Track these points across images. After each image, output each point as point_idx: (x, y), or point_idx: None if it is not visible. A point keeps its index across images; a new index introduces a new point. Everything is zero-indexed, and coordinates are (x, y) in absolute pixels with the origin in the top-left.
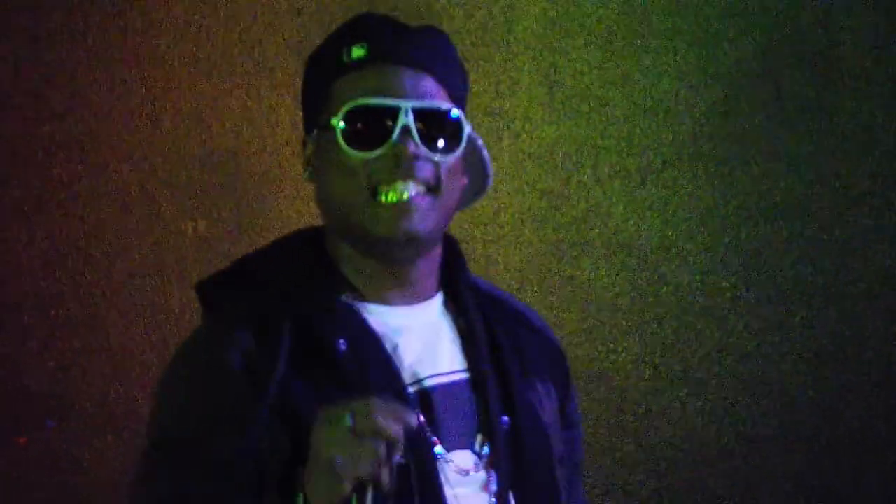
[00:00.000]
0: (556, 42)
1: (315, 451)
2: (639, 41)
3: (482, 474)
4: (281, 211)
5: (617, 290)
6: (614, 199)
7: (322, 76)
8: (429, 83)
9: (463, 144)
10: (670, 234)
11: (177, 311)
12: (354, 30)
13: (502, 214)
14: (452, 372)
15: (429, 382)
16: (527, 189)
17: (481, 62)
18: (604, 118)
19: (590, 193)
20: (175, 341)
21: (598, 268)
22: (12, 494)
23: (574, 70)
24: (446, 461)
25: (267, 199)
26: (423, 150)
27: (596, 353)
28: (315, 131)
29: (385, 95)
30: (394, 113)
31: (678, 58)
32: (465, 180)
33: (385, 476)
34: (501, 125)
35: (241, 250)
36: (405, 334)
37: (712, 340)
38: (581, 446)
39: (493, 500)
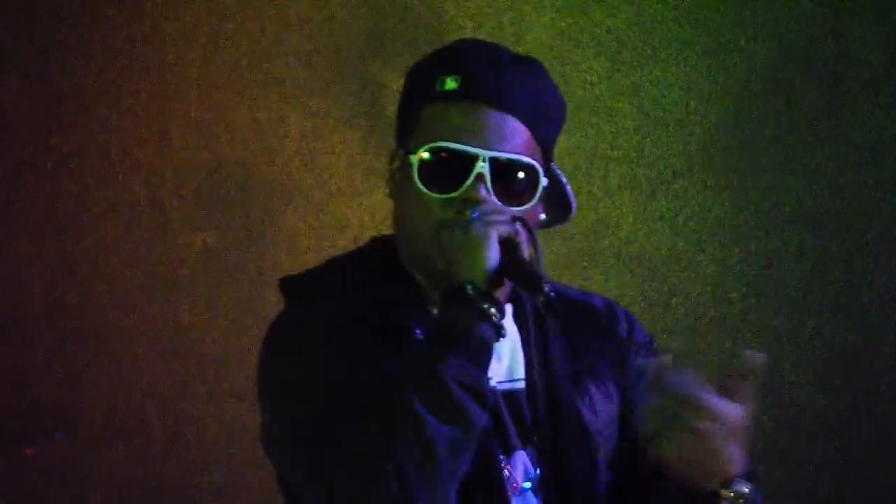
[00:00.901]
0: (565, 53)
1: (452, 240)
2: (649, 52)
3: (529, 481)
4: (290, 222)
5: (627, 300)
6: (624, 210)
7: (415, 98)
8: (514, 126)
9: (537, 196)
10: (680, 244)
11: (185, 322)
12: (452, 59)
13: None
14: (513, 380)
15: (494, 384)
16: None
17: None
18: (614, 129)
19: (600, 204)
20: (184, 352)
21: (608, 278)
22: (21, 501)
23: (584, 81)
24: (504, 463)
25: (276, 211)
26: (494, 199)
27: None
28: (401, 151)
29: (467, 137)
30: (471, 160)
31: (688, 68)
32: (540, 216)
33: (519, 230)
34: None
35: (250, 262)
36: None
37: (722, 351)
38: None
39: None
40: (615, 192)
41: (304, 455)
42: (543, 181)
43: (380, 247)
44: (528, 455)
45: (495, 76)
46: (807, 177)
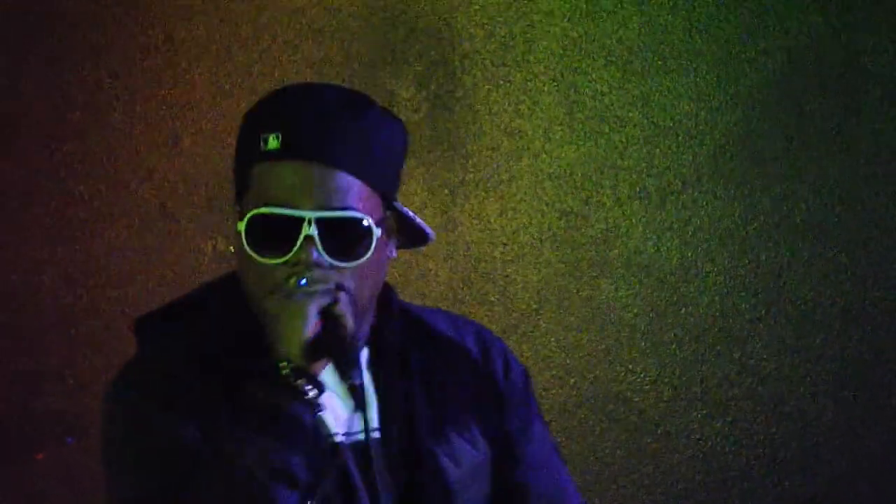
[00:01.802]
0: (576, 62)
1: (272, 310)
2: (659, 62)
3: None
4: None
5: (636, 311)
6: (634, 220)
7: (244, 154)
8: (342, 179)
9: (371, 250)
10: (690, 255)
11: None
12: (274, 114)
13: (521, 234)
14: (361, 431)
15: (340, 438)
16: (546, 209)
17: (501, 82)
18: (623, 139)
19: (609, 214)
20: None
21: (617, 288)
22: None
23: (594, 90)
24: None
25: None
26: (327, 258)
27: (614, 373)
28: (237, 209)
29: (293, 197)
30: (298, 222)
31: (698, 79)
32: (392, 254)
33: (341, 300)
34: (521, 145)
35: None
36: (327, 392)
37: (731, 362)
38: (556, 462)
39: None
40: (624, 201)
41: None
42: (377, 231)
43: (230, 287)
44: None
45: (318, 131)
46: (817, 188)
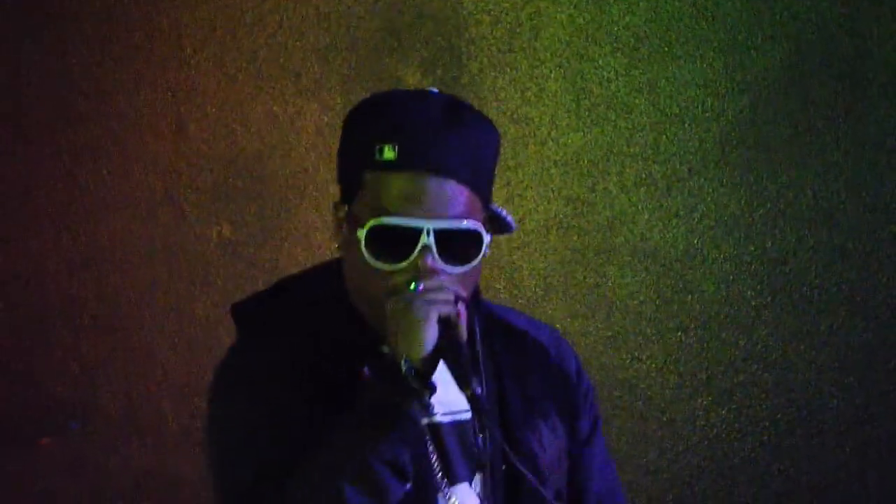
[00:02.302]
0: (582, 49)
1: (394, 313)
2: (666, 49)
3: None
4: (305, 216)
5: (642, 297)
6: (640, 207)
7: (354, 159)
8: (454, 189)
9: (482, 253)
10: (696, 241)
11: (201, 315)
12: (389, 125)
13: (528, 221)
14: (461, 411)
15: (439, 418)
16: (552, 196)
17: (507, 69)
18: (630, 126)
19: (615, 201)
20: (200, 345)
21: (623, 275)
22: (36, 495)
23: (600, 77)
24: (446, 495)
25: (292, 204)
26: (441, 264)
27: (620, 360)
28: (346, 208)
29: (409, 207)
30: (416, 233)
31: (705, 65)
32: (485, 253)
33: (461, 311)
34: (527, 132)
35: (266, 255)
36: None
37: (737, 349)
38: (611, 469)
39: None
40: (631, 188)
41: (233, 501)
42: (486, 238)
43: (330, 277)
44: (474, 486)
45: (433, 142)
46: (823, 174)
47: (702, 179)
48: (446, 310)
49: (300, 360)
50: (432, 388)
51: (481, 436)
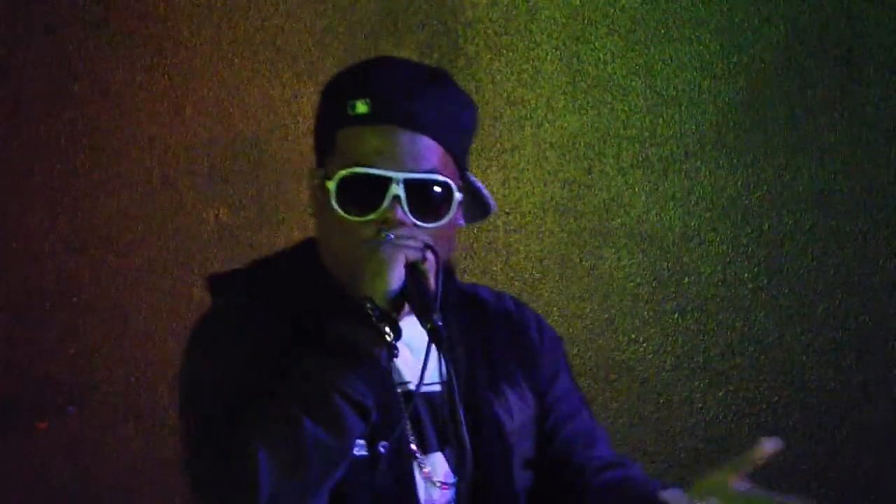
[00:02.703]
0: (578, 31)
1: (362, 257)
2: (662, 31)
3: (447, 475)
4: (302, 199)
5: (638, 280)
6: (636, 190)
7: (329, 120)
8: (426, 144)
9: (452, 212)
10: (692, 224)
11: (198, 298)
12: (363, 81)
13: (524, 203)
14: (432, 383)
15: (410, 387)
16: (549, 178)
17: (504, 51)
18: (626, 108)
19: (612, 183)
20: None
21: (619, 258)
22: (33, 479)
23: (597, 59)
24: (420, 463)
25: (288, 188)
26: (411, 218)
27: (617, 343)
28: (321, 171)
29: (381, 160)
30: (386, 182)
31: (702, 48)
32: (459, 222)
33: (429, 258)
34: (524, 114)
35: (263, 238)
36: (402, 345)
37: (734, 331)
38: (585, 413)
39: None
40: (627, 170)
41: (197, 452)
42: (458, 196)
43: (308, 250)
44: (446, 455)
45: (405, 97)
46: (819, 156)
47: (698, 162)
48: (413, 254)
49: (274, 323)
50: (397, 330)
51: (448, 407)
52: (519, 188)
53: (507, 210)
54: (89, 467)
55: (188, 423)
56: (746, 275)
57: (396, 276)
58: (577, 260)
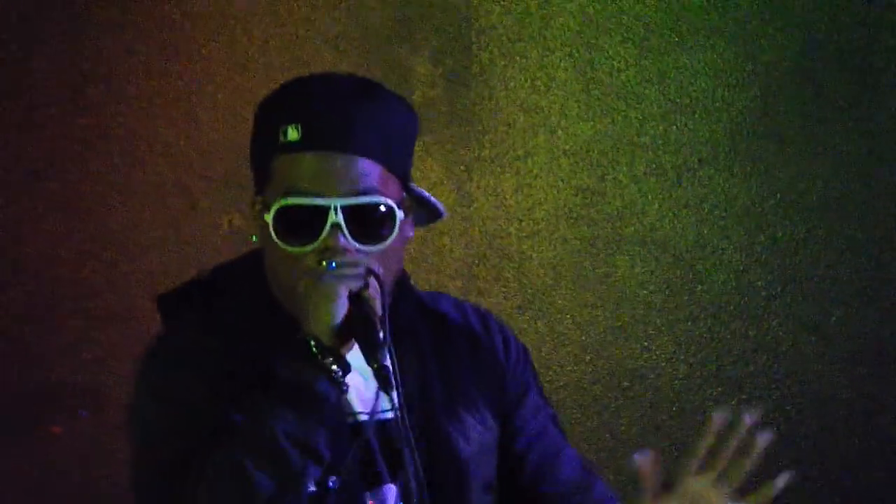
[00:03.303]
0: (592, 39)
1: (304, 292)
2: (676, 38)
3: None
4: None
5: (651, 287)
6: (650, 197)
7: (262, 147)
8: (363, 166)
9: (395, 231)
10: (706, 232)
11: None
12: (292, 106)
13: (537, 210)
14: (384, 410)
15: (363, 417)
16: (562, 185)
17: (517, 58)
18: (640, 115)
19: (625, 191)
20: None
21: (632, 265)
22: (46, 483)
23: (611, 67)
24: (370, 496)
25: None
26: (353, 243)
27: (630, 350)
28: (259, 198)
29: (317, 186)
30: (324, 211)
31: (715, 55)
32: (409, 235)
33: (372, 285)
34: (537, 121)
35: None
36: (351, 373)
37: (747, 339)
38: (552, 431)
39: None
40: (641, 178)
41: (142, 486)
42: (399, 214)
43: (255, 267)
44: (398, 487)
45: (337, 120)
46: (834, 164)
47: (712, 170)
48: (356, 284)
49: (219, 351)
50: (344, 365)
51: (401, 434)
52: (532, 195)
53: (520, 217)
54: (102, 471)
55: (137, 463)
56: (760, 283)
57: (339, 310)
58: (590, 267)
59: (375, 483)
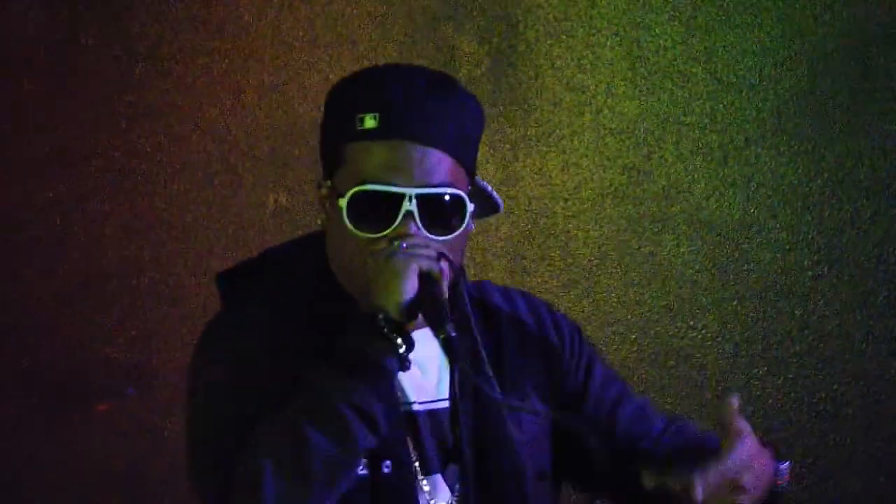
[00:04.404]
0: (639, 17)
1: (374, 268)
2: (723, 17)
3: (449, 496)
4: None
5: (697, 266)
6: (696, 176)
7: (336, 133)
8: (437, 157)
9: (465, 223)
10: (752, 211)
11: None
12: (370, 95)
13: (583, 189)
14: (438, 399)
15: (416, 407)
16: (608, 164)
17: (564, 37)
18: (686, 94)
19: (671, 170)
20: None
21: (678, 244)
22: (92, 460)
23: (657, 45)
24: (422, 483)
25: None
26: (424, 232)
27: (675, 329)
28: (329, 183)
29: (392, 175)
30: (398, 199)
31: (763, 34)
32: (470, 228)
33: (443, 269)
34: (583, 100)
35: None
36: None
37: (793, 318)
38: (630, 393)
39: None
40: (687, 157)
41: (202, 455)
42: (470, 207)
43: (315, 250)
44: (449, 474)
45: (413, 110)
46: (881, 144)
47: (759, 149)
48: (427, 264)
49: (281, 331)
50: (409, 341)
51: (453, 425)
52: (578, 174)
53: (565, 196)
54: (147, 449)
55: (197, 432)
56: (806, 262)
57: (409, 287)
58: (636, 246)
59: (429, 470)
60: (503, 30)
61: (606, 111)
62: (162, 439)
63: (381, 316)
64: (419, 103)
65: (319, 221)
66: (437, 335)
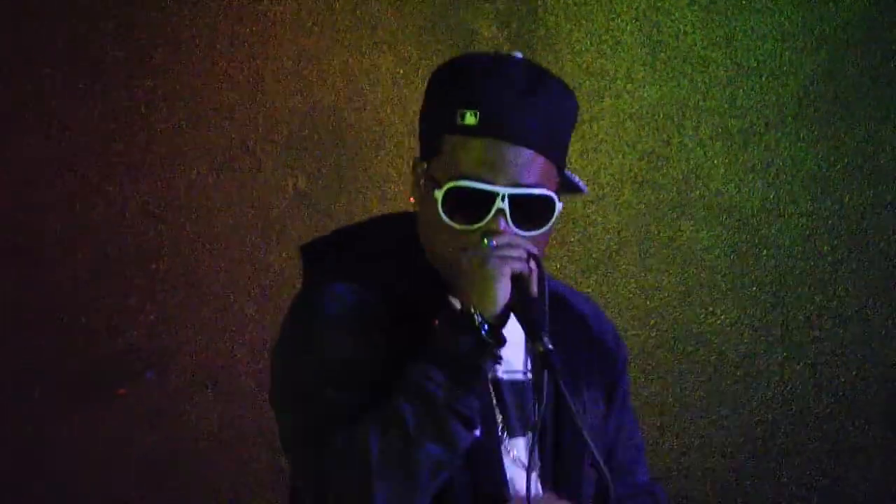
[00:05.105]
0: (659, 2)
1: (468, 268)
2: (743, 1)
3: (525, 462)
4: (380, 168)
5: (717, 252)
6: (716, 161)
7: (436, 122)
8: (531, 157)
9: (553, 220)
10: (772, 196)
11: (276, 265)
12: (472, 91)
13: (602, 175)
14: (520, 371)
15: (501, 375)
16: (627, 149)
17: (583, 22)
18: (706, 79)
19: (691, 155)
20: (275, 296)
21: (698, 230)
22: (113, 444)
23: (677, 30)
24: (506, 445)
25: (367, 157)
26: (514, 229)
27: (694, 315)
28: (425, 165)
29: (487, 172)
30: (492, 197)
31: (783, 18)
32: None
33: (533, 269)
34: (603, 85)
35: (341, 207)
36: None
37: (812, 304)
38: (636, 432)
39: (535, 485)
40: (707, 142)
41: (303, 442)
42: (559, 206)
43: (398, 229)
44: (528, 441)
45: (513, 111)
46: None
47: (779, 134)
48: (519, 266)
49: (371, 306)
50: (503, 343)
51: (535, 398)
52: (597, 159)
53: (584, 181)
54: (167, 432)
55: (292, 423)
56: (826, 248)
57: (504, 291)
58: (656, 232)
59: (511, 435)
60: (523, 14)
61: (626, 96)
62: (182, 422)
63: (478, 319)
64: (517, 102)
65: (412, 199)
66: (533, 347)
